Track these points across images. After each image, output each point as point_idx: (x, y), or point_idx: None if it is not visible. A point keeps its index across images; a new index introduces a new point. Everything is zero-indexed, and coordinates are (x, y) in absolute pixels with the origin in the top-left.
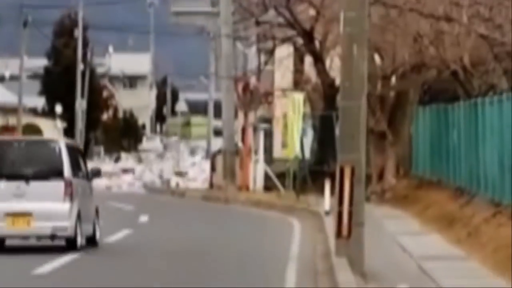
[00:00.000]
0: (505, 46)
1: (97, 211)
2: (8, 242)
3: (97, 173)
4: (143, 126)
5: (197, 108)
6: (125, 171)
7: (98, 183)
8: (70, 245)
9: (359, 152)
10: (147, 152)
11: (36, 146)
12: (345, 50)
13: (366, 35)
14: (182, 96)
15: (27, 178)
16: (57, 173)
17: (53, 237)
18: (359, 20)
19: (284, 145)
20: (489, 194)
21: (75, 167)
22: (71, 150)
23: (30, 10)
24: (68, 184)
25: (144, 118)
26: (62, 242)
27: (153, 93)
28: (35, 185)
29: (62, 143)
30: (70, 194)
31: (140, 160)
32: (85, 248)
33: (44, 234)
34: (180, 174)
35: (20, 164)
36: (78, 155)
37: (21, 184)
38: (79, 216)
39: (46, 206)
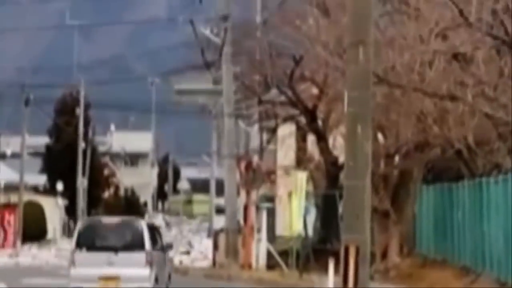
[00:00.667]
0: (509, 126)
1: (169, 276)
2: None
3: (169, 246)
4: (145, 204)
5: (199, 186)
6: None
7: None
8: None
9: (364, 232)
10: None
11: (123, 225)
12: (349, 129)
13: (370, 115)
14: (184, 174)
15: (116, 250)
16: (140, 246)
17: None
18: (363, 100)
19: (287, 223)
20: (494, 273)
21: (153, 241)
22: (150, 228)
23: (32, 88)
24: (148, 254)
25: (146, 196)
26: None
27: (155, 171)
28: (123, 255)
29: (143, 223)
30: (150, 262)
31: None
32: None
33: None
34: (183, 252)
35: (111, 238)
36: (155, 232)
37: (111, 254)
38: (156, 280)
39: (131, 271)
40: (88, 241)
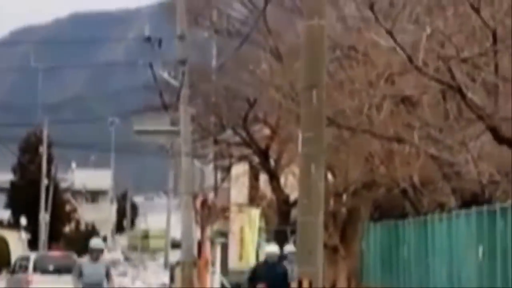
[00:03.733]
0: (453, 167)
1: None
2: None
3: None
4: (105, 239)
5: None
6: None
7: None
8: None
9: (316, 266)
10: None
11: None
12: (303, 169)
13: (323, 155)
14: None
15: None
16: None
17: None
18: (317, 141)
19: (240, 257)
20: None
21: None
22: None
23: None
24: None
25: (106, 230)
26: None
27: (114, 207)
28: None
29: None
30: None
31: None
32: None
33: None
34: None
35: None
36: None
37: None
38: None
39: None
40: (41, 267)
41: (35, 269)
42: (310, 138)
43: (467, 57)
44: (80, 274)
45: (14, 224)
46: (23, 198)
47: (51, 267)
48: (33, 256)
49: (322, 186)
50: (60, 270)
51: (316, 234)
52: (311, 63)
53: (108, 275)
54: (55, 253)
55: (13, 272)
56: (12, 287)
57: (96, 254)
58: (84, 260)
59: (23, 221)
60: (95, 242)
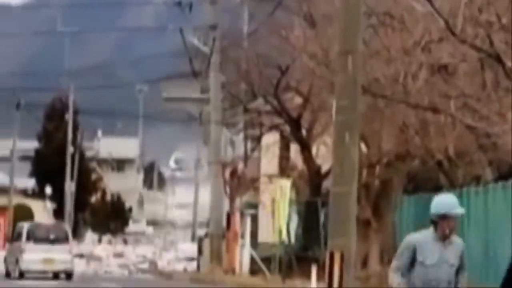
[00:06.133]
0: (490, 138)
1: None
2: None
3: None
4: (130, 210)
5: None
6: (116, 255)
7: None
8: None
9: (349, 237)
10: (133, 235)
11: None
12: (337, 137)
13: (358, 123)
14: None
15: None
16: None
17: None
18: (351, 108)
19: (270, 230)
20: (473, 279)
21: None
22: None
23: (23, 92)
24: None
25: (131, 201)
26: None
27: (140, 177)
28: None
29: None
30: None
31: (125, 242)
32: None
33: None
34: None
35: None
36: None
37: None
38: None
39: (61, 256)
40: (34, 236)
41: (28, 238)
42: (344, 106)
43: (507, 24)
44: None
45: (39, 193)
46: (48, 167)
47: (43, 236)
48: (26, 225)
49: (356, 155)
50: (52, 239)
51: (349, 205)
52: (347, 29)
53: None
54: (47, 223)
55: (11, 241)
56: (10, 255)
57: None
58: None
59: (48, 190)
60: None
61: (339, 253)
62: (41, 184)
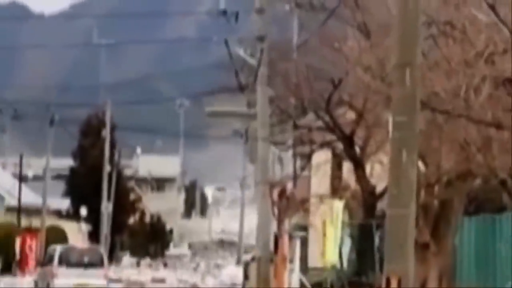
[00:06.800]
0: None
1: None
2: None
3: None
4: (171, 231)
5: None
6: (157, 280)
7: None
8: None
9: (407, 263)
10: (174, 259)
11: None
12: (394, 155)
13: (416, 140)
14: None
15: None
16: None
17: None
18: (409, 124)
19: (321, 254)
20: None
21: None
22: None
23: (57, 107)
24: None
25: (172, 223)
26: None
27: (181, 197)
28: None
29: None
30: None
31: (166, 266)
32: None
33: None
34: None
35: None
36: None
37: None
38: None
39: (94, 281)
40: (67, 260)
41: (60, 262)
42: (401, 122)
43: None
44: None
45: (73, 215)
46: (83, 186)
47: (77, 260)
48: (58, 248)
49: (414, 174)
50: (86, 263)
51: (406, 228)
52: (405, 39)
53: None
54: (82, 246)
55: (42, 264)
56: (40, 279)
57: None
58: None
59: (83, 211)
60: None
61: (396, 278)
62: (75, 205)
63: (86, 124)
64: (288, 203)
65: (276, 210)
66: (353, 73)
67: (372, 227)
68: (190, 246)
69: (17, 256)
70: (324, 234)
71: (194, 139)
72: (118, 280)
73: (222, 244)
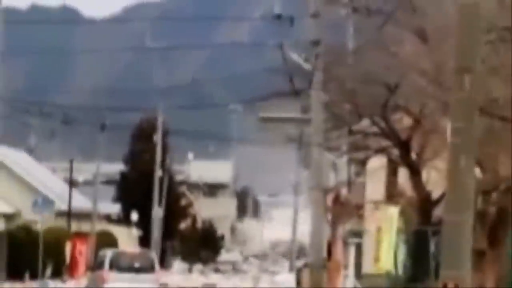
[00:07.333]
0: None
1: None
2: None
3: None
4: (222, 237)
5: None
6: (208, 286)
7: None
8: None
9: (464, 270)
10: (226, 265)
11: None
12: (451, 162)
13: (474, 147)
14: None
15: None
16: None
17: None
18: (468, 131)
19: (376, 260)
20: None
21: None
22: None
23: (108, 112)
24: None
25: (224, 228)
26: None
27: (234, 202)
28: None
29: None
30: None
31: (217, 272)
32: None
33: None
34: None
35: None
36: None
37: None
38: None
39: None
40: (118, 265)
41: (111, 266)
42: (460, 128)
43: None
44: None
45: (124, 220)
46: (134, 191)
47: (128, 265)
48: (109, 253)
49: (472, 181)
50: (137, 268)
51: (463, 235)
52: (464, 45)
53: None
54: (133, 251)
55: (93, 269)
56: (91, 284)
57: None
58: None
59: (134, 216)
60: None
61: (452, 285)
62: (126, 210)
63: (137, 129)
64: (342, 209)
65: (330, 216)
66: (410, 78)
67: (428, 234)
68: (242, 252)
69: (67, 261)
70: (379, 241)
71: (246, 144)
72: (168, 285)
73: (274, 250)
